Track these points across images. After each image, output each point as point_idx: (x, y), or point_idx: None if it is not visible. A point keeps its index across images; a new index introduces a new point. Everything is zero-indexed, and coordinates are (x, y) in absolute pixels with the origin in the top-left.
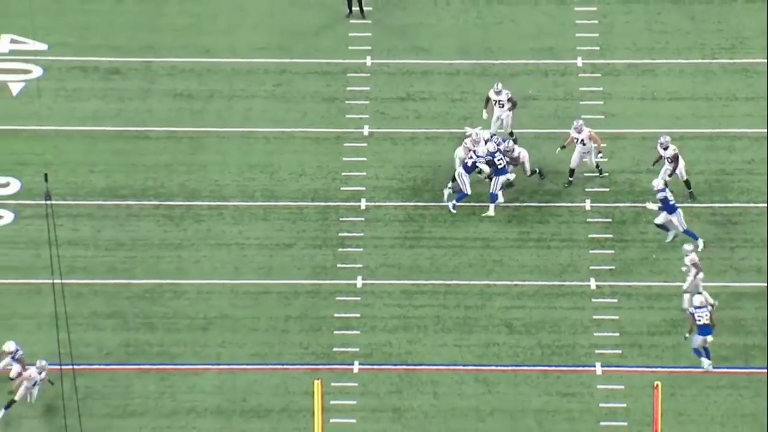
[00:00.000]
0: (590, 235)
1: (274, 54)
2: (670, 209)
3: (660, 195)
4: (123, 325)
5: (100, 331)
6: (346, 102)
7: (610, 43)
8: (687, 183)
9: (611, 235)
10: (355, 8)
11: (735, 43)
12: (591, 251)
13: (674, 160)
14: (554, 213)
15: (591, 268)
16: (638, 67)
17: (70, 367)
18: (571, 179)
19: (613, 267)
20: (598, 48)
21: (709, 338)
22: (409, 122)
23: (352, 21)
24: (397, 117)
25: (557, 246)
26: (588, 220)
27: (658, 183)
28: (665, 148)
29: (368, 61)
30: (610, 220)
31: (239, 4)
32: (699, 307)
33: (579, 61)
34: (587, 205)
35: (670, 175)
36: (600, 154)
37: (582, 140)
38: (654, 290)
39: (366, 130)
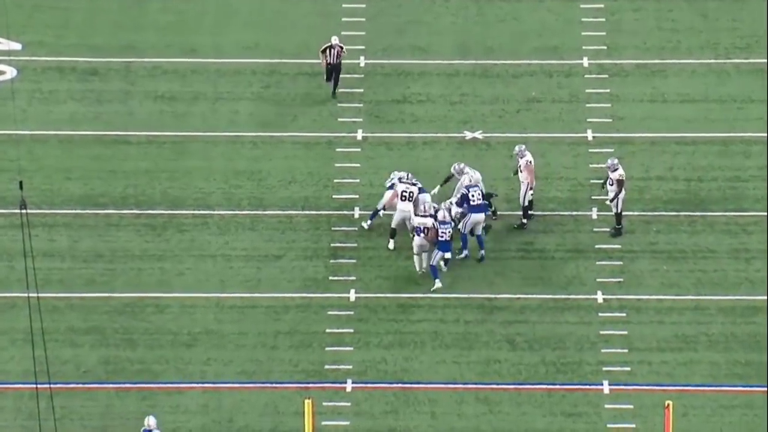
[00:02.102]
0: (597, 246)
1: (262, 54)
2: (471, 209)
3: (464, 191)
4: (102, 341)
5: (78, 347)
6: (339, 105)
7: (617, 42)
8: (618, 217)
9: (619, 246)
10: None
11: (750, 42)
12: (598, 262)
13: (618, 184)
14: (559, 222)
15: (598, 280)
16: (648, 68)
17: (47, 385)
18: (524, 221)
19: (622, 279)
20: (605, 47)
21: (447, 255)
22: (405, 126)
23: (345, 19)
24: (393, 120)
25: (562, 257)
26: (595, 229)
27: (475, 175)
28: (614, 170)
29: (362, 61)
30: None
31: (226, 1)
32: (444, 223)
33: (585, 62)
34: (594, 213)
35: (611, 200)
36: (531, 192)
37: (519, 167)
38: (665, 304)
39: (359, 135)
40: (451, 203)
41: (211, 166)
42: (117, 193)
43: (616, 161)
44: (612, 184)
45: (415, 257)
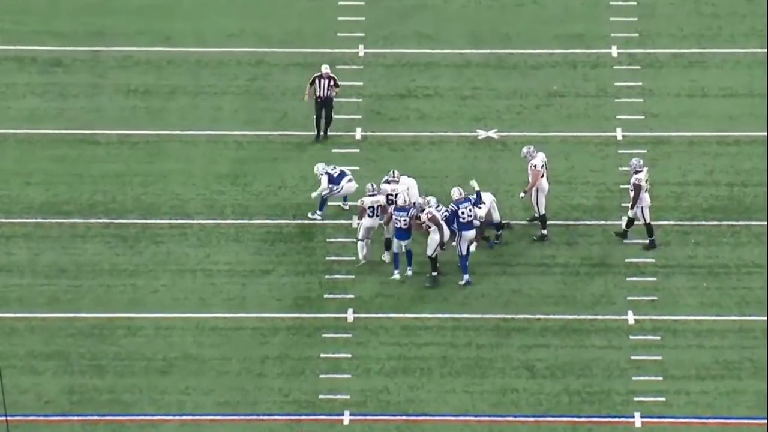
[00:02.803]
0: (628, 260)
1: (248, 42)
2: (461, 227)
3: (453, 207)
4: (66, 368)
5: (39, 374)
6: (335, 100)
7: (651, 29)
8: (649, 228)
9: (653, 260)
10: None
11: None
12: (629, 279)
13: (635, 189)
14: (584, 233)
15: (629, 299)
16: (685, 58)
17: (3, 418)
18: (544, 232)
19: (656, 298)
20: (636, 35)
21: (404, 243)
22: (409, 124)
23: (341, 3)
24: (396, 118)
25: (588, 272)
26: (625, 241)
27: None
28: (636, 172)
29: (361, 50)
30: None
31: None
32: (400, 210)
33: (614, 51)
34: (624, 223)
35: (631, 207)
36: (522, 196)
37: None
38: (704, 325)
39: (358, 133)
40: (420, 202)
41: (190, 170)
42: (83, 199)
43: (640, 162)
44: (631, 190)
45: (359, 243)
